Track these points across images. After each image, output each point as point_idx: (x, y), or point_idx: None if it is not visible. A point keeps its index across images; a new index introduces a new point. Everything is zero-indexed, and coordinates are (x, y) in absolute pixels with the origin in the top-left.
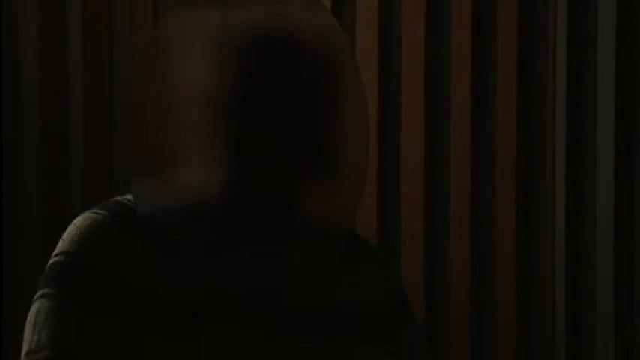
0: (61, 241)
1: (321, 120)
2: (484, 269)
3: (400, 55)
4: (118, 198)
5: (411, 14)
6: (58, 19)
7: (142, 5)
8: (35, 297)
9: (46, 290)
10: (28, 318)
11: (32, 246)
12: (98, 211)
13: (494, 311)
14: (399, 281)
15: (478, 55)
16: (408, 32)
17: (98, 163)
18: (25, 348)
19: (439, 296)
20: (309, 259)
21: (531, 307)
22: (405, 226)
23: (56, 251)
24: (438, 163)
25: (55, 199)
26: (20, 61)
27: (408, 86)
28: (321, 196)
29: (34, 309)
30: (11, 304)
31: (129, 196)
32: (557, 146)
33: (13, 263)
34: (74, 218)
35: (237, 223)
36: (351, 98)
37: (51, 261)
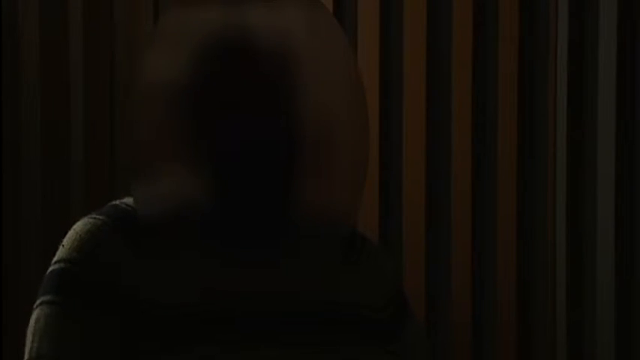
0: (60, 247)
1: (299, 119)
2: (485, 269)
3: (401, 56)
4: (116, 202)
5: (412, 15)
6: (58, 19)
7: (142, 5)
8: (36, 304)
9: (46, 298)
10: (29, 325)
11: (33, 246)
12: (97, 217)
13: (494, 311)
14: (399, 280)
15: (479, 55)
16: (409, 33)
17: (98, 163)
18: (25, 355)
19: (440, 296)
20: (307, 259)
21: (532, 307)
22: (406, 227)
23: (56, 258)
24: (439, 163)
25: (55, 199)
26: (20, 61)
27: (409, 87)
28: (316, 195)
29: (34, 316)
30: (12, 304)
31: (127, 200)
32: (558, 146)
33: (13, 263)
34: (74, 219)
35: (230, 226)
36: (337, 94)
37: (51, 268)
